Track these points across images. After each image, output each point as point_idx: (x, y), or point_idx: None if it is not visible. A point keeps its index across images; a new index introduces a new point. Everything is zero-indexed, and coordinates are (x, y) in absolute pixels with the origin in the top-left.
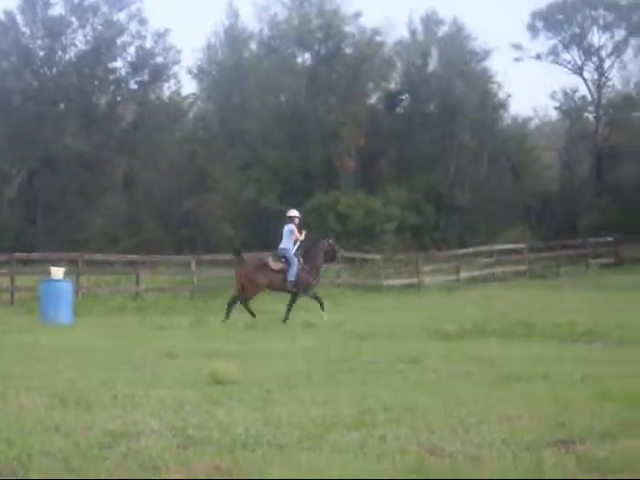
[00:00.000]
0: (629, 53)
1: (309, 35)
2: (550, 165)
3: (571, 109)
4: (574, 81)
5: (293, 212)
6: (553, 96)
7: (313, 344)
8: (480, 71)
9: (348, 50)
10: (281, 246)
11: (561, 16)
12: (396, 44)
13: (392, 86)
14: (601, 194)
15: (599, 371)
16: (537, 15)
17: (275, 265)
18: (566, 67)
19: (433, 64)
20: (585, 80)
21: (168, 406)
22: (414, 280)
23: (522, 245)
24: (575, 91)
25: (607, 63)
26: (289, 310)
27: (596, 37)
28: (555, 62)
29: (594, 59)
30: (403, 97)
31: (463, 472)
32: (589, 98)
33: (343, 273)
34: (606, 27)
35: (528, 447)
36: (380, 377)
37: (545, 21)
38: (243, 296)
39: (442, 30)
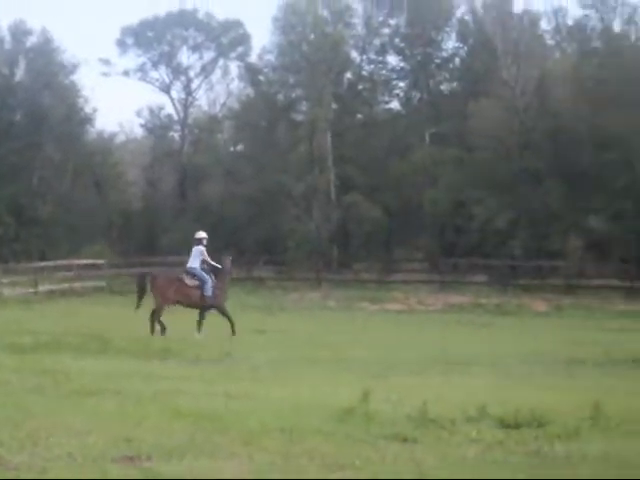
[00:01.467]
0: (217, 74)
1: None
2: (134, 182)
3: (157, 127)
4: (161, 99)
5: (201, 234)
6: (139, 113)
7: None
8: (68, 84)
9: None
10: (189, 265)
11: (151, 34)
12: None
13: None
14: (184, 213)
15: (171, 388)
16: (127, 31)
17: (190, 282)
18: (154, 85)
19: (20, 74)
20: (172, 99)
21: None
22: None
23: (102, 261)
24: (162, 109)
25: (195, 83)
26: (201, 324)
27: (185, 57)
28: (143, 79)
29: (182, 78)
30: None
31: None
32: (175, 117)
33: None
34: (195, 47)
35: (95, 461)
36: None
37: (135, 37)
38: (153, 310)
39: (30, 40)
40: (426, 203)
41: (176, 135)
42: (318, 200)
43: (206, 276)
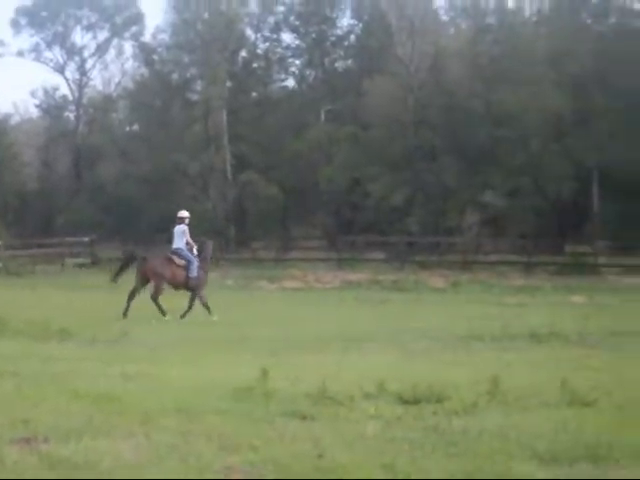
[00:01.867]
0: (111, 54)
1: None
2: (29, 162)
3: (51, 107)
4: (56, 79)
5: (183, 213)
6: (34, 94)
7: None
8: None
9: None
10: (174, 246)
11: (45, 13)
12: None
13: None
14: (79, 193)
15: (69, 369)
16: (21, 11)
17: (178, 261)
18: (48, 65)
19: None
20: (67, 79)
21: None
22: None
23: None
24: (56, 89)
25: (89, 63)
26: (190, 306)
27: (79, 36)
28: (37, 60)
29: (76, 58)
30: None
31: None
32: (70, 97)
33: None
34: (89, 27)
35: None
36: None
37: (29, 17)
38: (152, 294)
39: None
40: (322, 181)
41: (71, 115)
42: (214, 179)
43: (192, 257)
